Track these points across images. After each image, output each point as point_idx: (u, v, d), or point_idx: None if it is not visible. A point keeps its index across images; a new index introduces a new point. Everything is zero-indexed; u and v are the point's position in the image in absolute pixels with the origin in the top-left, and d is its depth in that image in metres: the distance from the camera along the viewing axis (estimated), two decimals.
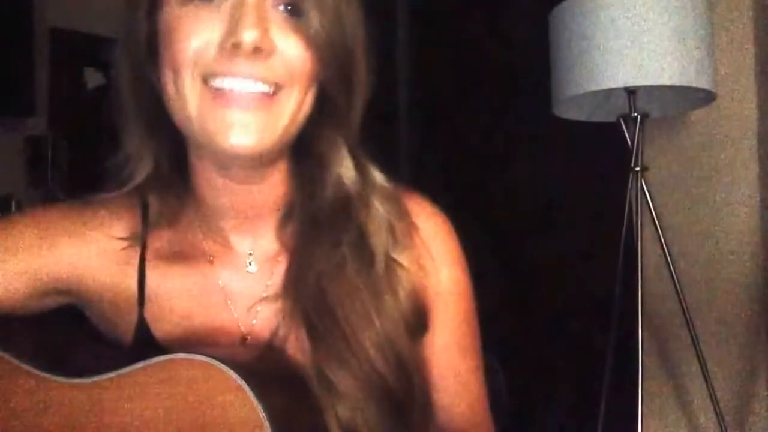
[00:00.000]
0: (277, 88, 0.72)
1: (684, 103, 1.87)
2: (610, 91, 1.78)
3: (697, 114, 2.01)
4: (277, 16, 0.72)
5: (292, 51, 0.72)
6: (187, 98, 0.71)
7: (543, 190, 2.51)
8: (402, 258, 0.80)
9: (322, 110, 0.77)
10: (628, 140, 1.80)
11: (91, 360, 0.73)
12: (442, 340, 0.84)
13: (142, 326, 0.80)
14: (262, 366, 0.77)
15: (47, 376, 0.69)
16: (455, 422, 0.86)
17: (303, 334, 0.76)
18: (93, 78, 2.68)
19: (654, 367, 2.03)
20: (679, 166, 2.07)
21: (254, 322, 0.80)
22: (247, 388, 0.65)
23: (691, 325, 1.77)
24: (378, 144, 0.83)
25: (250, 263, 0.82)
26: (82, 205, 0.84)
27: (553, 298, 2.46)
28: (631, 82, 1.65)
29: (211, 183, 0.79)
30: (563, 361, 2.40)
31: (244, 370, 0.66)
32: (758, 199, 1.95)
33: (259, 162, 0.76)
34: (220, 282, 0.81)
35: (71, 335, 0.85)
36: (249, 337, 0.80)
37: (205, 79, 0.71)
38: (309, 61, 0.73)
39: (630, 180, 1.79)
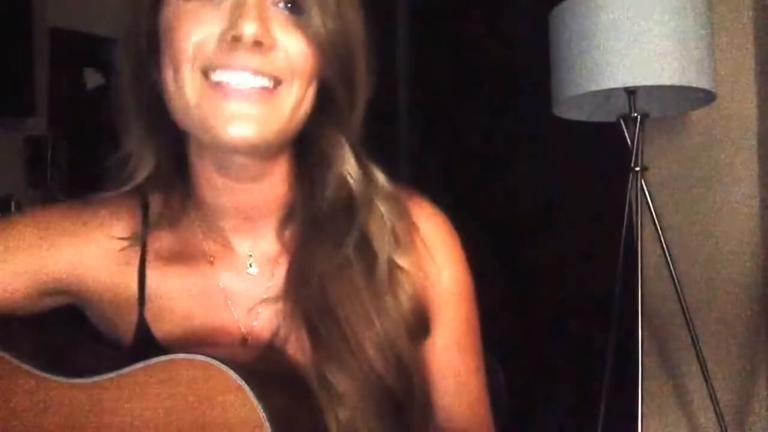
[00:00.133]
0: (277, 82, 0.72)
1: (684, 103, 1.87)
2: (610, 91, 1.78)
3: (697, 114, 2.01)
4: (277, 13, 0.72)
5: (293, 47, 0.72)
6: (187, 92, 0.71)
7: (543, 190, 2.51)
8: (403, 260, 0.79)
9: (324, 109, 0.77)
10: (628, 140, 1.80)
11: (91, 360, 0.73)
12: (442, 340, 0.84)
13: (143, 326, 0.80)
14: (262, 366, 0.77)
15: (47, 376, 0.69)
16: (455, 422, 0.86)
17: (303, 335, 0.76)
18: (93, 78, 2.68)
19: (654, 367, 2.03)
20: (679, 166, 2.07)
21: (255, 323, 0.80)
22: (247, 388, 0.65)
23: (691, 325, 1.77)
24: (378, 144, 0.83)
25: (250, 265, 0.82)
26: (82, 205, 0.84)
27: (553, 298, 2.46)
28: (631, 82, 1.65)
29: (211, 182, 0.79)
30: (563, 361, 2.40)
31: (245, 371, 0.66)
32: (758, 199, 1.95)
33: (259, 156, 0.76)
34: (220, 283, 0.81)
35: (71, 335, 0.85)
36: (249, 338, 0.80)
37: (205, 73, 0.71)
38: (310, 57, 0.73)
39: (630, 180, 1.79)
